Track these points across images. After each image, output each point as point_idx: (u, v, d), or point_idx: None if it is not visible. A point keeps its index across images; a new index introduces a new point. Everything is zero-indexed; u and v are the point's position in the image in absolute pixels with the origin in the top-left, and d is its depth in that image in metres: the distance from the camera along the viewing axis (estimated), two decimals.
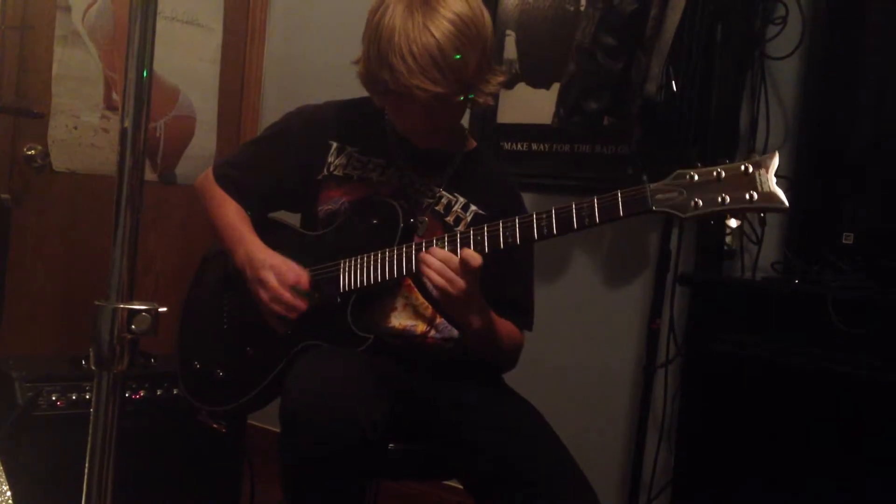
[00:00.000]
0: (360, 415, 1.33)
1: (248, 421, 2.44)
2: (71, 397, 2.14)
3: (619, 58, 2.15)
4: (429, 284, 1.51)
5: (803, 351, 1.80)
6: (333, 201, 1.68)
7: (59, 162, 2.73)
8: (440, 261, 1.43)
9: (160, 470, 2.23)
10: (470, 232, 1.45)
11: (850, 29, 2.01)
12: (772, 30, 2.15)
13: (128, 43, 0.87)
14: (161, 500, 2.24)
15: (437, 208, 1.66)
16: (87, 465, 0.89)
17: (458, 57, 1.44)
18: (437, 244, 1.47)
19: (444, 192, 1.67)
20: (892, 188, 1.93)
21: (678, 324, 2.22)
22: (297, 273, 1.58)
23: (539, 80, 2.59)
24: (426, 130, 1.58)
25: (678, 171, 1.30)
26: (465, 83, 1.48)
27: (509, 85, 2.61)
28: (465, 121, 1.89)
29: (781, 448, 1.84)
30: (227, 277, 1.73)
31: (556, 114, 2.31)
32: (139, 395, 2.25)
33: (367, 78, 1.53)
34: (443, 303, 1.51)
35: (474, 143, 1.77)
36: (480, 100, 1.55)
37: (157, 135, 3.00)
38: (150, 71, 0.88)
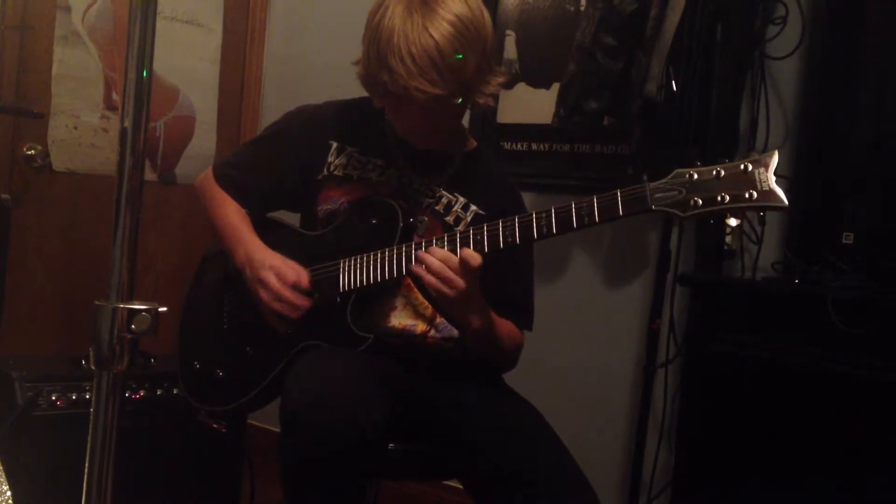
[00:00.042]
0: (360, 415, 1.33)
1: (248, 421, 2.45)
2: (71, 397, 2.14)
3: (619, 58, 2.15)
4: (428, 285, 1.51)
5: (803, 351, 1.80)
6: (333, 201, 1.68)
7: (59, 162, 2.73)
8: (440, 260, 1.43)
9: (160, 470, 2.23)
10: (470, 232, 1.45)
11: (850, 29, 2.01)
12: (772, 30, 2.15)
13: (128, 43, 0.87)
14: (161, 500, 2.24)
15: (436, 208, 1.66)
16: (87, 465, 0.89)
17: (458, 57, 1.43)
18: (436, 244, 1.47)
19: (443, 192, 1.67)
20: (892, 188, 1.93)
21: (678, 324, 2.22)
22: (297, 272, 1.58)
23: (539, 80, 2.59)
24: (425, 132, 1.58)
25: (677, 170, 1.30)
26: (465, 84, 1.48)
27: (509, 85, 2.61)
28: (465, 121, 1.89)
29: (781, 448, 1.84)
30: (227, 277, 1.73)
31: (556, 114, 2.31)
32: (139, 395, 2.25)
33: (367, 79, 1.53)
34: (442, 303, 1.51)
35: (474, 143, 1.77)
36: (480, 100, 1.55)
37: (157, 135, 3.00)
38: (150, 71, 0.88)
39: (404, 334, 1.63)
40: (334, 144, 1.70)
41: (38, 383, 2.11)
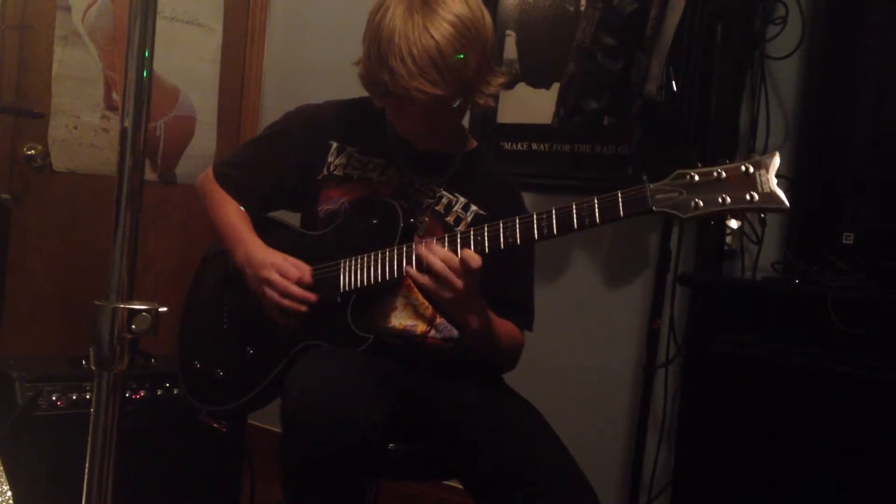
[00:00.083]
0: (360, 415, 1.33)
1: (248, 421, 2.45)
2: (71, 397, 2.14)
3: (619, 58, 2.15)
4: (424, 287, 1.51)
5: (803, 351, 1.80)
6: (333, 201, 1.68)
7: (59, 162, 2.73)
8: (441, 260, 1.43)
9: (160, 470, 2.23)
10: (470, 232, 1.45)
11: (850, 29, 2.01)
12: (772, 30, 2.15)
13: (128, 43, 0.87)
14: (161, 500, 2.24)
15: (437, 208, 1.66)
16: (87, 465, 0.89)
17: (459, 58, 1.43)
18: (436, 244, 1.47)
19: (444, 192, 1.67)
20: (892, 188, 1.93)
21: (678, 324, 2.22)
22: (299, 268, 1.58)
23: (539, 80, 2.59)
24: (426, 132, 1.58)
25: (678, 172, 1.30)
26: (465, 85, 1.48)
27: (509, 85, 2.61)
28: (465, 121, 1.89)
29: (781, 448, 1.84)
30: (228, 277, 1.73)
31: (556, 114, 2.31)
32: (139, 395, 2.25)
33: (368, 79, 1.53)
34: (442, 303, 1.51)
35: (474, 143, 1.77)
36: (481, 101, 1.55)
37: (157, 135, 3.00)
38: (150, 71, 0.88)
39: (404, 334, 1.63)
40: (334, 144, 1.70)
41: (39, 383, 2.11)
